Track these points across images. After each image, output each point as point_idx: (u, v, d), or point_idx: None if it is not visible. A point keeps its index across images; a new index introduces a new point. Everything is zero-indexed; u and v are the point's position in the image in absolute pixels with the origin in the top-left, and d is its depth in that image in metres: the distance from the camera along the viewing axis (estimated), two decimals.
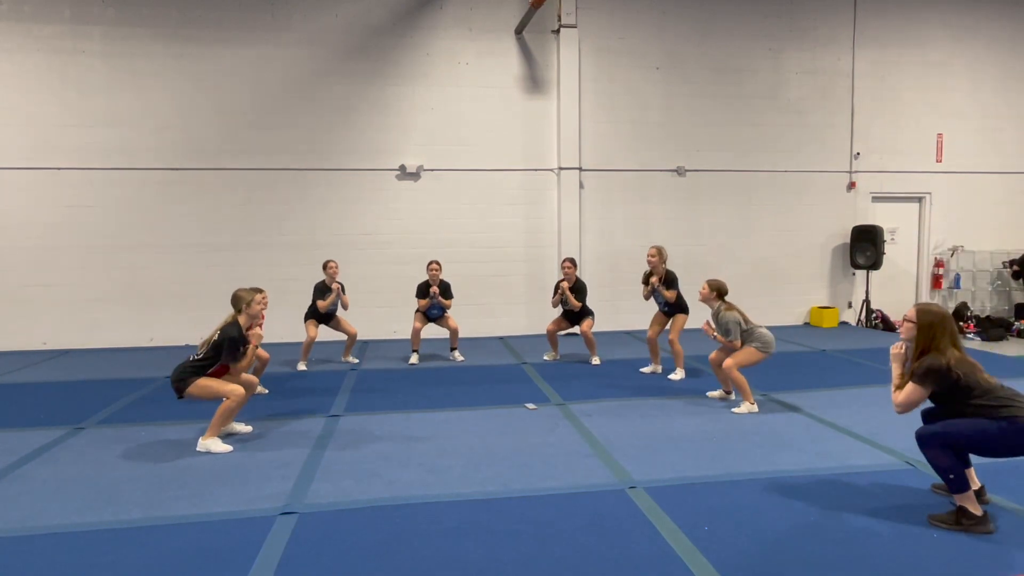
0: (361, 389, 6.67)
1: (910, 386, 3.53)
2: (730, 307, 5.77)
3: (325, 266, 7.54)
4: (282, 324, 9.01)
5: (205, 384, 4.80)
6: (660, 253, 6.97)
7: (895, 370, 3.73)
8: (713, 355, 6.01)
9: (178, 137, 9.15)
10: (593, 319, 7.78)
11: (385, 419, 5.57)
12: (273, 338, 9.07)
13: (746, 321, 5.76)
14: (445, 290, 7.78)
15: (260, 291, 5.20)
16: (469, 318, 9.79)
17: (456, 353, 8.11)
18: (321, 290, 7.47)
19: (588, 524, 3.53)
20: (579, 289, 7.69)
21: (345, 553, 3.24)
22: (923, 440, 3.47)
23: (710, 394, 6.22)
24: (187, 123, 9.16)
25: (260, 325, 5.34)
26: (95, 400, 6.27)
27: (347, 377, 7.22)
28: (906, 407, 3.57)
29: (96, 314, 9.11)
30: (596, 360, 7.82)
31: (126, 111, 9.01)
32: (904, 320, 3.67)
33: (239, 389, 4.90)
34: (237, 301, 5.01)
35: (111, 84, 8.96)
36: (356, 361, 7.99)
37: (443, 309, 7.86)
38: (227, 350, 4.82)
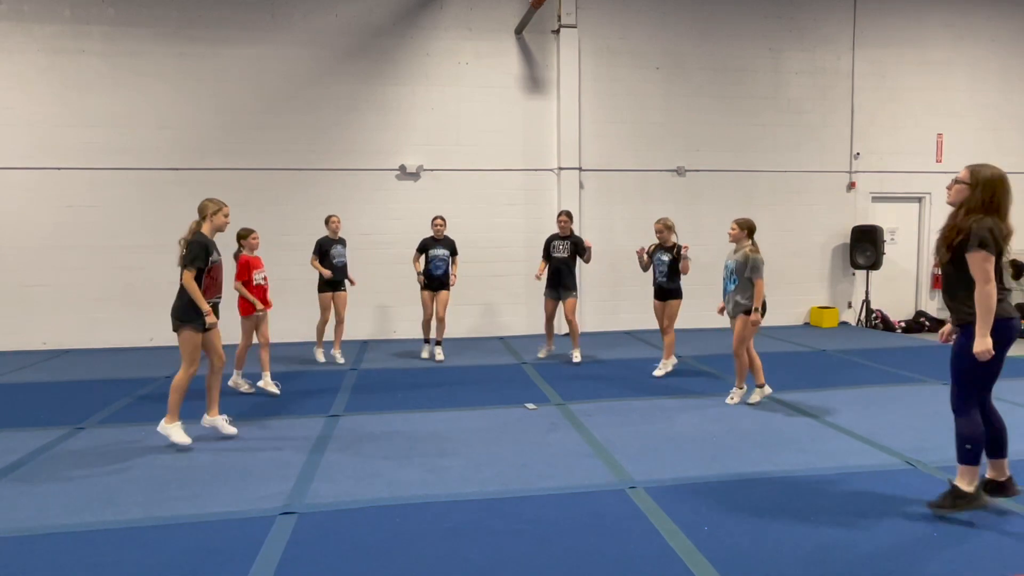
0: (361, 389, 6.67)
1: (980, 256, 3.19)
2: (756, 249, 5.73)
3: (328, 220, 7.57)
4: (282, 324, 9.01)
5: (213, 340, 4.86)
6: (668, 225, 6.95)
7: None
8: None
9: (178, 137, 9.15)
10: (575, 298, 7.72)
11: (385, 419, 5.57)
12: (275, 337, 9.05)
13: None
14: (451, 246, 7.81)
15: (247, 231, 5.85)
16: (469, 318, 9.80)
17: (439, 349, 8.04)
18: (323, 246, 7.50)
19: (588, 524, 3.53)
20: (576, 243, 7.60)
21: (345, 553, 3.24)
22: (956, 407, 3.45)
23: (729, 400, 5.99)
24: (187, 123, 9.16)
25: (259, 262, 5.65)
26: (95, 400, 6.27)
27: (347, 377, 7.22)
28: (991, 280, 3.22)
29: (96, 314, 9.11)
30: (577, 356, 7.71)
31: (126, 111, 9.00)
32: (955, 182, 3.40)
33: (222, 356, 5.05)
34: (203, 208, 4.90)
35: (111, 84, 8.96)
36: (343, 362, 7.87)
37: (447, 265, 7.74)
38: (192, 252, 4.70)
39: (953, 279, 3.42)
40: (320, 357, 7.84)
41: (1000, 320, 3.29)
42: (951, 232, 3.37)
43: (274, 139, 9.34)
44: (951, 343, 3.59)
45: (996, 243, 3.23)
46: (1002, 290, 3.33)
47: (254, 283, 6.24)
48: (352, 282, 7.83)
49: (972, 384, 3.38)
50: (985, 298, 3.22)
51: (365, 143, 9.56)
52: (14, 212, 8.89)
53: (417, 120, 9.66)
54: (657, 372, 7.06)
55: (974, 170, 3.35)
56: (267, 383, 6.40)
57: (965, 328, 3.39)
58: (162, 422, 4.82)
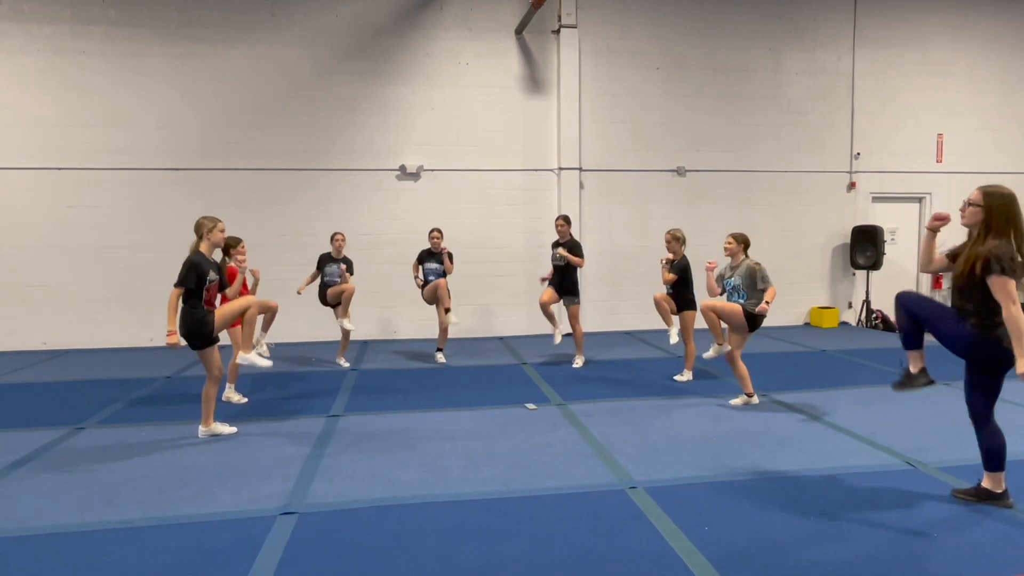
0: (361, 389, 6.67)
1: (1002, 281, 3.20)
2: (756, 261, 5.74)
3: (332, 238, 7.54)
4: (283, 324, 8.96)
5: (220, 314, 4.95)
6: (676, 236, 6.85)
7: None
8: (729, 353, 5.87)
9: (178, 137, 9.15)
10: (578, 304, 7.56)
11: (385, 419, 5.57)
12: (274, 338, 9.05)
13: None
14: (446, 258, 7.78)
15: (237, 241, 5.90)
16: (469, 318, 9.79)
17: (440, 355, 8.04)
18: (322, 262, 7.46)
19: (588, 524, 3.53)
20: (573, 248, 7.50)
21: (345, 553, 3.24)
22: (976, 419, 3.55)
23: (733, 402, 5.95)
24: (187, 123, 9.16)
25: (243, 268, 5.66)
26: (95, 400, 6.27)
27: (347, 377, 7.22)
28: (1015, 300, 3.21)
29: (96, 314, 9.11)
30: (579, 361, 7.63)
31: (126, 111, 9.01)
32: (968, 204, 3.39)
33: (253, 300, 5.26)
34: (199, 227, 5.03)
35: (111, 84, 8.96)
36: (347, 365, 7.85)
37: (440, 275, 7.68)
38: (183, 271, 4.80)
39: (968, 295, 3.43)
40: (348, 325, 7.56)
41: (1006, 349, 3.32)
42: (977, 259, 3.35)
43: (274, 139, 9.34)
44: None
45: (1016, 268, 3.24)
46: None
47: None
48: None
49: (986, 396, 3.48)
50: (1014, 321, 3.22)
51: (365, 143, 9.56)
52: (14, 212, 8.89)
53: (417, 120, 9.66)
54: (679, 377, 6.90)
55: (987, 192, 3.35)
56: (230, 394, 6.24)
57: (986, 340, 3.39)
58: (200, 428, 5.03)
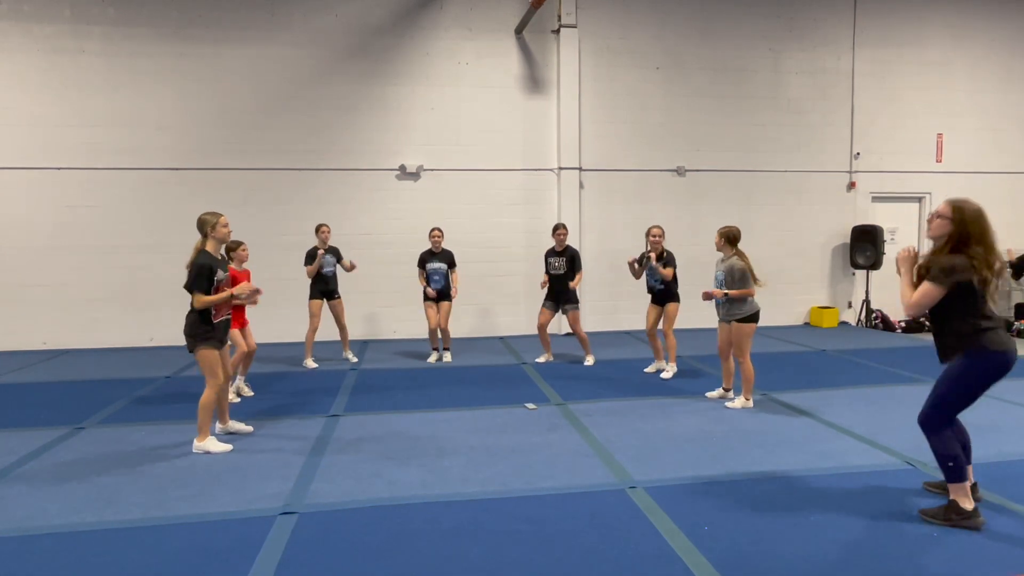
0: (361, 389, 6.67)
1: (925, 285, 3.32)
2: (741, 256, 5.71)
3: (318, 229, 7.54)
4: (283, 324, 9.02)
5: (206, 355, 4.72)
6: (664, 232, 6.99)
7: (905, 274, 3.52)
8: (721, 345, 5.95)
9: (178, 137, 9.15)
10: (578, 309, 7.66)
11: (385, 419, 5.57)
12: (274, 337, 9.08)
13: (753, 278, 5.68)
14: (450, 259, 7.80)
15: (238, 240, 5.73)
16: (469, 318, 9.80)
17: (447, 354, 8.07)
18: (312, 256, 7.45)
19: (588, 524, 3.53)
20: (572, 256, 7.57)
21: (345, 553, 3.24)
22: (926, 424, 3.44)
23: (709, 394, 6.19)
24: (187, 123, 9.16)
25: (246, 275, 5.52)
26: (95, 400, 6.27)
27: (347, 377, 7.22)
28: (919, 308, 3.38)
29: (96, 314, 9.11)
30: (590, 360, 7.74)
31: (126, 111, 9.01)
32: (936, 216, 3.41)
33: (228, 371, 5.03)
34: (202, 225, 4.73)
35: (111, 84, 8.96)
36: (355, 360, 7.95)
37: (445, 278, 7.73)
38: (193, 277, 4.61)
39: (937, 312, 3.44)
40: (311, 364, 7.66)
41: (995, 353, 3.30)
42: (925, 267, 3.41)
43: (274, 139, 9.34)
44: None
45: (968, 272, 3.25)
46: (990, 319, 3.34)
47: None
48: (353, 266, 7.84)
49: (950, 407, 3.41)
50: (902, 298, 3.45)
51: (365, 143, 9.56)
52: (14, 212, 8.89)
53: (417, 120, 9.66)
54: (665, 375, 7.02)
55: (956, 206, 3.37)
56: (241, 386, 6.35)
57: (965, 354, 3.35)
58: (195, 441, 4.73)
